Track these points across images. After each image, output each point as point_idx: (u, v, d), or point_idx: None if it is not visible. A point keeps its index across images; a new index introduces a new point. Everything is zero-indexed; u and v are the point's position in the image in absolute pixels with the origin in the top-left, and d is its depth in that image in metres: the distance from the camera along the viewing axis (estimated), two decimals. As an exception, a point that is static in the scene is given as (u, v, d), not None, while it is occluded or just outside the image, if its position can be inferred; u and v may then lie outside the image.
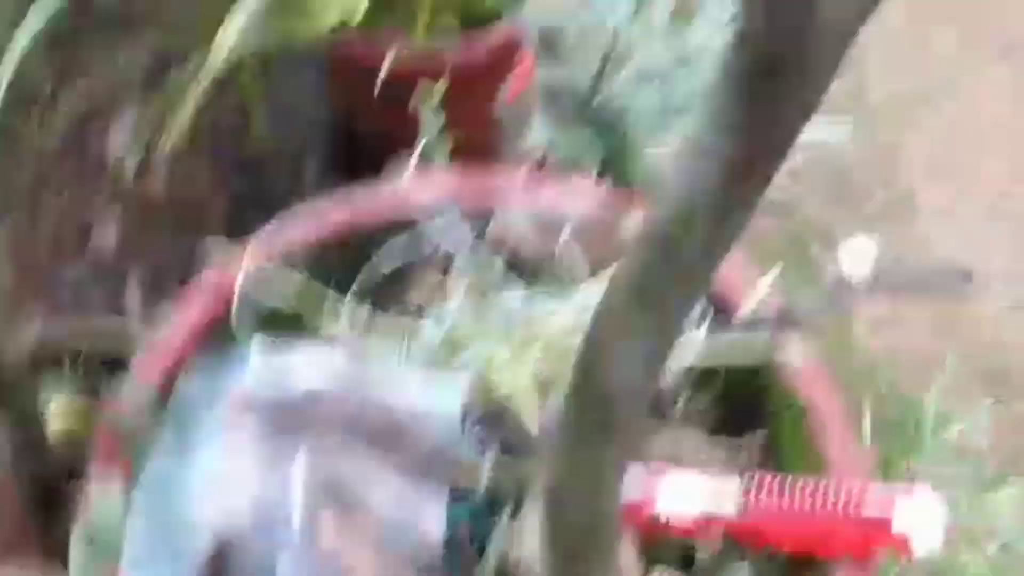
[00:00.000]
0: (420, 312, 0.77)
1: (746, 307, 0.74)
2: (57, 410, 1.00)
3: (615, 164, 0.98)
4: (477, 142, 1.11)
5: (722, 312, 0.75)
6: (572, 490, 0.46)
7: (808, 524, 0.66)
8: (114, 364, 1.14)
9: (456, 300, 0.76)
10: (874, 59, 1.75)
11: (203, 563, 0.63)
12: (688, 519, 0.67)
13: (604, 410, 0.42)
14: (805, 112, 0.33)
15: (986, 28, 1.88)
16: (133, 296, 1.25)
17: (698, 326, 0.73)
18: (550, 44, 1.05)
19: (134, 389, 0.73)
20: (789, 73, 0.31)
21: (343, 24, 1.07)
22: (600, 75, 1.03)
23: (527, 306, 0.75)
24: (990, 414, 1.15)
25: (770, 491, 0.67)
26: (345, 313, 0.73)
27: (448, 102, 0.96)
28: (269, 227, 0.78)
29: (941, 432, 1.16)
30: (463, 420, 0.67)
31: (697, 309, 0.74)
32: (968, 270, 0.77)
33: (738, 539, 0.68)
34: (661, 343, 0.41)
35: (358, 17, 1.05)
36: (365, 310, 0.75)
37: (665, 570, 0.69)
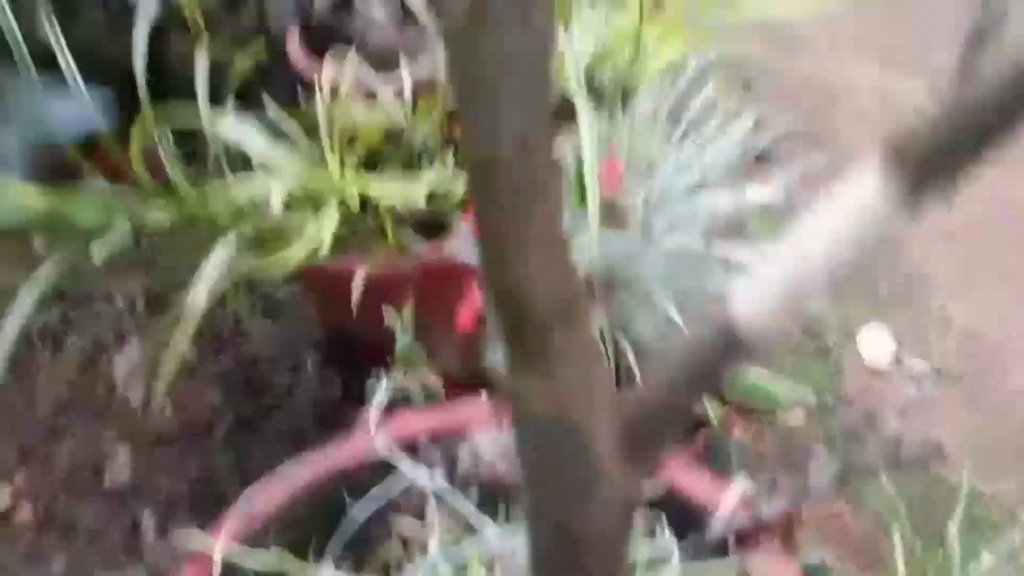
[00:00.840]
0: (399, 566, 0.75)
1: (719, 518, 0.71)
2: None
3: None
4: (451, 343, 1.11)
5: (694, 523, 0.72)
6: None
7: None
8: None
9: (434, 547, 0.73)
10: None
11: None
12: None
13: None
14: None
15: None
16: (148, 531, 1.24)
17: (672, 545, 0.70)
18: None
19: None
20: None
21: (312, 255, 1.09)
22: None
23: (506, 543, 0.72)
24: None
25: None
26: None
27: (419, 308, 0.96)
28: (243, 498, 0.77)
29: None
30: None
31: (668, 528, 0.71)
32: (938, 445, 0.73)
33: None
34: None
35: (324, 251, 1.06)
36: (343, 573, 0.73)
37: None
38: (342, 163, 1.17)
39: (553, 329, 0.30)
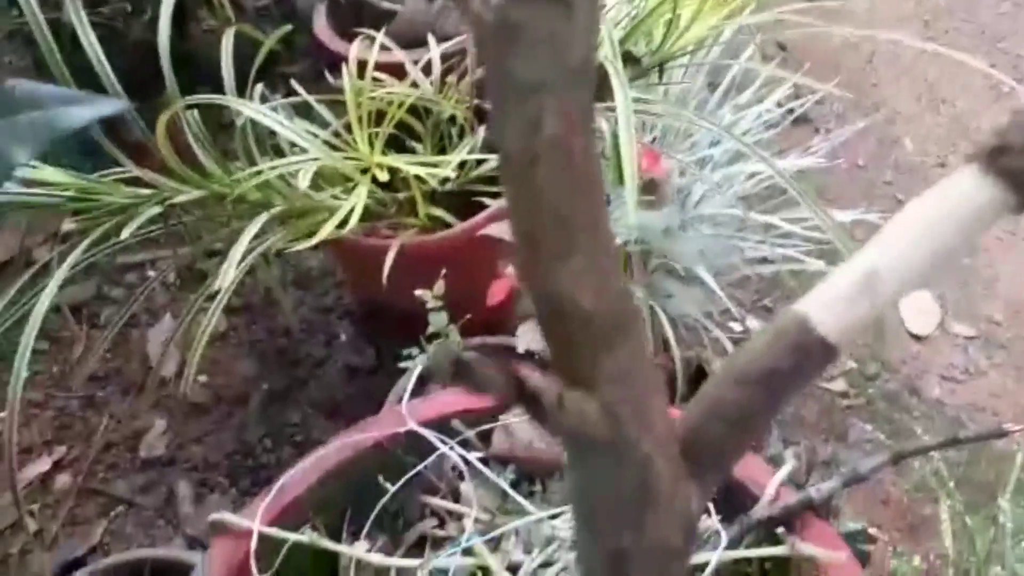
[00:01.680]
0: (436, 543, 0.73)
1: (765, 499, 0.68)
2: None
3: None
4: (483, 317, 1.08)
5: (741, 505, 0.70)
6: None
7: None
8: None
9: (469, 525, 0.71)
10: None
11: None
12: None
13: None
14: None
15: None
16: (184, 500, 1.23)
17: (719, 524, 0.68)
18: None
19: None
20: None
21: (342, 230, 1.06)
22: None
23: (538, 527, 0.70)
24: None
25: None
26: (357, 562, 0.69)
27: (451, 282, 0.94)
28: (280, 481, 0.74)
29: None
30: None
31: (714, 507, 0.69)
32: (1000, 424, 0.70)
33: None
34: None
35: (353, 222, 1.04)
36: (378, 551, 0.71)
37: None
38: (371, 139, 1.14)
39: (605, 346, 0.27)
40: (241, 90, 1.13)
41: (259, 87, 1.12)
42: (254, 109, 1.04)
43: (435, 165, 1.11)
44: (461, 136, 1.20)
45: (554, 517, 0.71)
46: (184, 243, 1.18)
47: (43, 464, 1.29)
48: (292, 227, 1.11)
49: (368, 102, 1.13)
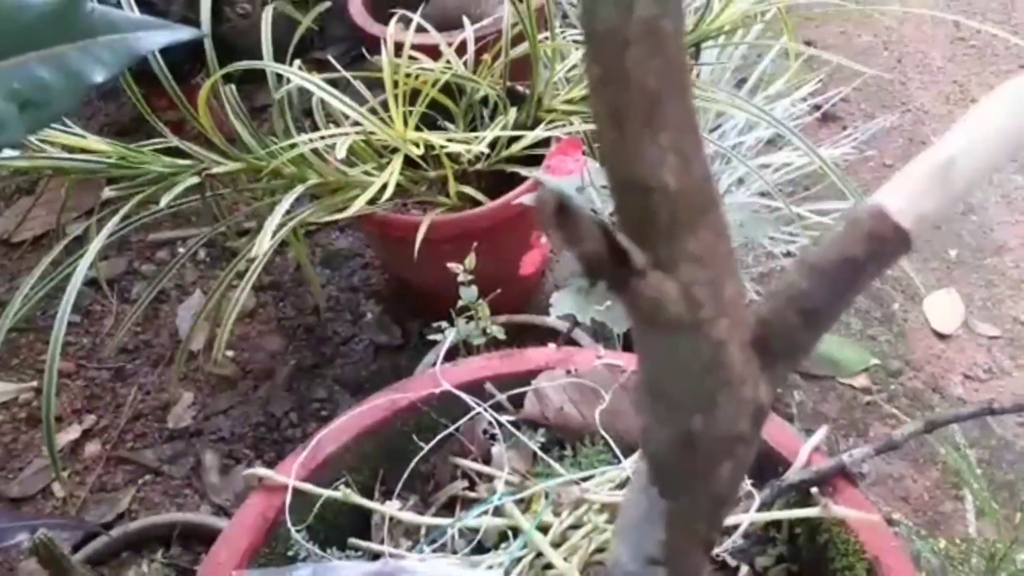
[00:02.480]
0: (466, 505, 0.72)
1: (798, 464, 0.68)
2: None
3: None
4: (511, 293, 1.08)
5: (773, 471, 0.69)
6: None
7: None
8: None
9: (500, 486, 0.71)
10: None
11: None
12: None
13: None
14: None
15: None
16: (211, 470, 1.24)
17: (752, 486, 0.67)
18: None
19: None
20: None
21: (374, 206, 1.06)
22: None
23: (568, 488, 0.70)
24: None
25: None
26: (390, 517, 0.69)
27: (482, 258, 0.94)
28: (315, 437, 0.74)
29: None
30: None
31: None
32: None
33: None
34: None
35: (385, 197, 1.04)
36: (409, 510, 0.71)
37: None
38: (405, 117, 1.14)
39: (688, 226, 0.26)
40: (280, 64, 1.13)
41: (296, 63, 1.12)
42: (299, 75, 1.04)
43: (468, 142, 1.11)
44: (493, 117, 1.20)
45: (585, 480, 0.71)
46: (214, 221, 1.19)
47: (73, 432, 1.30)
48: (325, 202, 1.12)
49: (404, 81, 1.14)
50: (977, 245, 1.56)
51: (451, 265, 0.96)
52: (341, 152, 1.03)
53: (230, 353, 1.38)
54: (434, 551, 0.69)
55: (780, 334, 0.28)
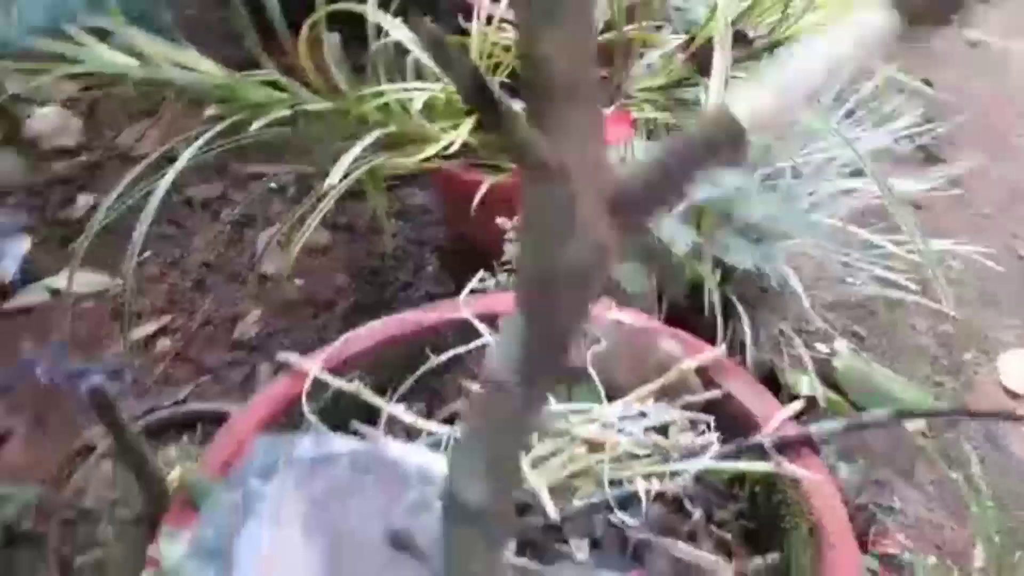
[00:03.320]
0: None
1: (768, 429, 0.72)
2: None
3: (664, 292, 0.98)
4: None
5: (744, 432, 0.73)
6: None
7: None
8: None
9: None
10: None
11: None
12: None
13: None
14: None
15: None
16: (263, 377, 1.33)
17: (721, 441, 0.71)
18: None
19: (212, 456, 0.77)
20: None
21: (443, 153, 1.14)
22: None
23: (561, 417, 0.75)
24: None
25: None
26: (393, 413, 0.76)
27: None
28: (344, 336, 0.82)
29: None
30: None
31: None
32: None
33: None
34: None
35: (452, 150, 1.11)
36: (413, 413, 0.78)
37: None
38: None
39: (567, 100, 0.33)
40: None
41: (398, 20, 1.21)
42: (394, 24, 1.13)
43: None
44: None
45: (573, 413, 0.76)
46: (306, 153, 1.28)
47: (149, 327, 1.42)
48: (400, 151, 1.20)
49: (491, 49, 1.21)
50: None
51: (499, 220, 1.02)
52: (418, 104, 1.11)
53: (299, 282, 1.48)
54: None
55: (628, 195, 0.34)
